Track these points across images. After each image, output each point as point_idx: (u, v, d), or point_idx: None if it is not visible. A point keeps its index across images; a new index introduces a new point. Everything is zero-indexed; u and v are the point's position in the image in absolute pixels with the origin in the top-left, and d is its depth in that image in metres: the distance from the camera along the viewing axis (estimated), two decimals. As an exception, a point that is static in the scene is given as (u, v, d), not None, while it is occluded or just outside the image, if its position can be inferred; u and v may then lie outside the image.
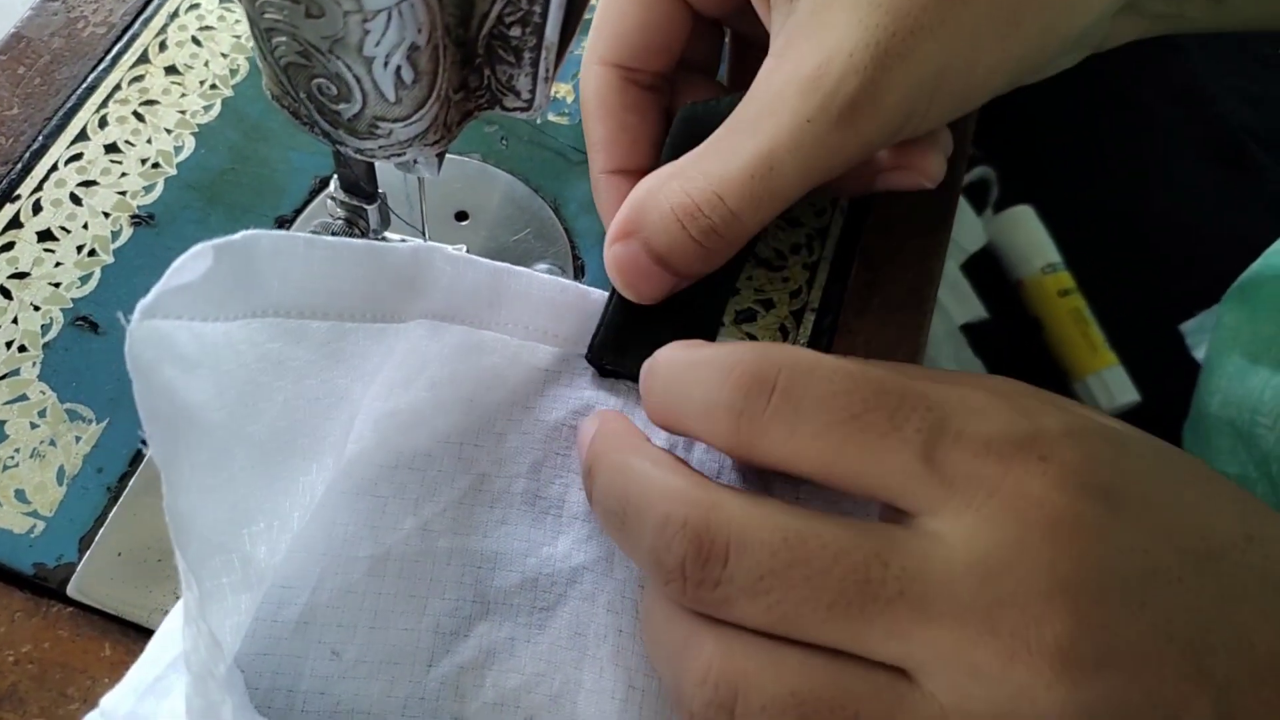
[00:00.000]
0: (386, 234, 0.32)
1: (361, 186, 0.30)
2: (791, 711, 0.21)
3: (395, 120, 0.24)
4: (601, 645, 0.27)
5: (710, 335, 0.30)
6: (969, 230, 0.71)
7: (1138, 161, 0.71)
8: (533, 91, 0.25)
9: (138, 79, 0.37)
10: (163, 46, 0.38)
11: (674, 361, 0.25)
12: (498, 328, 0.29)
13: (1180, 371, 0.57)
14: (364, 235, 0.31)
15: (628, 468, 0.24)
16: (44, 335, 0.32)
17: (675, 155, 0.29)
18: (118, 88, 0.37)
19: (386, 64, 0.22)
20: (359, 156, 0.25)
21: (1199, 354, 0.62)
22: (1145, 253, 0.69)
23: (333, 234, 0.31)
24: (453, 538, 0.27)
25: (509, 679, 0.26)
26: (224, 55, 0.38)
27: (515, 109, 0.26)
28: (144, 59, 0.38)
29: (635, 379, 0.29)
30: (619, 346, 0.30)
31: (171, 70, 0.38)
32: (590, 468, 0.26)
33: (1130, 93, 0.72)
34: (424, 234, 0.33)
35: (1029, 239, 0.73)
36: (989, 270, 0.73)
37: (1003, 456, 0.21)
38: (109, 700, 0.24)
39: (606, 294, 0.31)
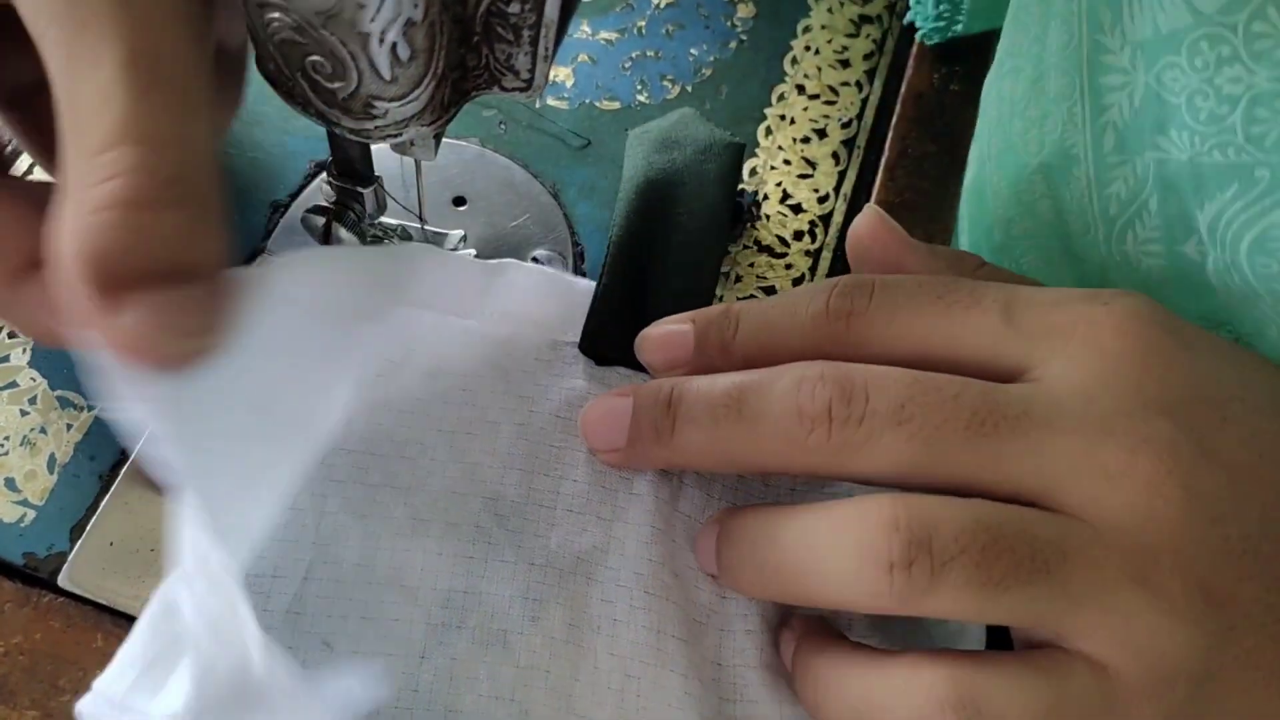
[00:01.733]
0: (383, 219, 0.32)
1: (357, 170, 0.30)
2: (982, 536, 0.22)
3: (391, 99, 0.23)
4: (596, 635, 0.26)
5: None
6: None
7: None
8: (532, 71, 0.25)
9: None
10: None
11: (751, 303, 0.27)
12: (488, 318, 0.29)
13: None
14: (359, 220, 0.31)
15: (733, 380, 0.25)
16: (35, 321, 0.32)
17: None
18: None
19: (382, 40, 0.22)
20: (354, 137, 0.25)
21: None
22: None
23: (326, 220, 0.30)
24: (445, 527, 0.27)
25: (503, 671, 0.26)
26: (218, 38, 0.38)
27: (514, 89, 0.25)
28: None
29: (631, 365, 0.29)
30: (613, 333, 0.30)
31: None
32: (673, 402, 0.26)
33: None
34: (421, 219, 0.32)
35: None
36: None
37: (1069, 308, 0.24)
38: (102, 682, 0.23)
39: (593, 284, 0.30)
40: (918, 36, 0.42)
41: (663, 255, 0.31)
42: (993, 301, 0.25)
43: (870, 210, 0.28)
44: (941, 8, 0.41)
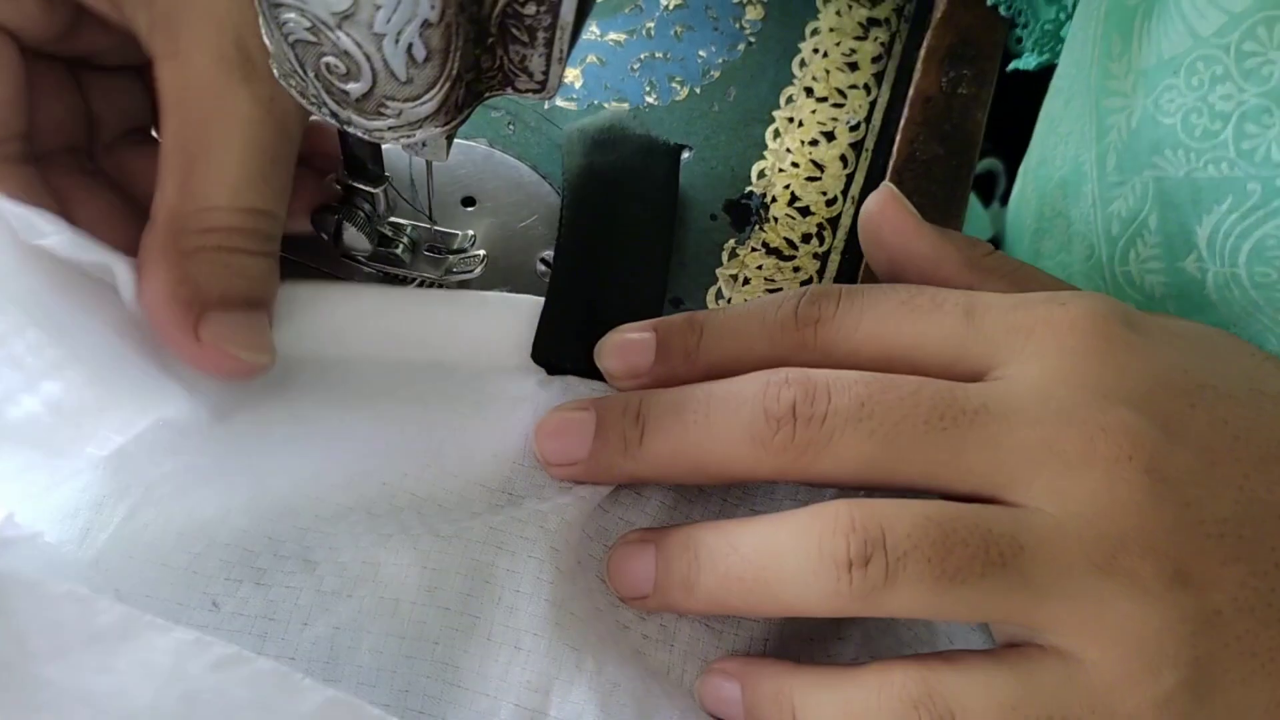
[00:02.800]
0: (393, 219, 0.32)
1: (368, 170, 0.30)
2: (933, 531, 0.22)
3: (405, 100, 0.23)
4: (495, 607, 0.26)
5: (654, 314, 0.30)
6: (976, 222, 0.71)
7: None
8: (545, 73, 0.25)
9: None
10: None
11: (716, 312, 0.28)
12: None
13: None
14: (369, 220, 0.31)
15: (701, 388, 0.26)
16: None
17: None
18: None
19: (398, 41, 0.22)
20: (367, 137, 0.25)
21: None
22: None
23: (337, 219, 0.30)
24: (354, 498, 0.27)
25: (388, 643, 0.25)
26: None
27: (527, 91, 0.25)
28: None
29: (584, 373, 0.29)
30: (565, 337, 0.29)
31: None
32: (642, 413, 0.26)
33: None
34: (431, 219, 0.32)
35: (1036, 232, 0.72)
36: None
37: (1029, 309, 0.25)
38: None
39: (539, 299, 0.30)
40: (1015, 66, 0.42)
41: (610, 256, 0.31)
42: (954, 305, 0.25)
43: (885, 188, 0.29)
44: (1045, 33, 0.41)
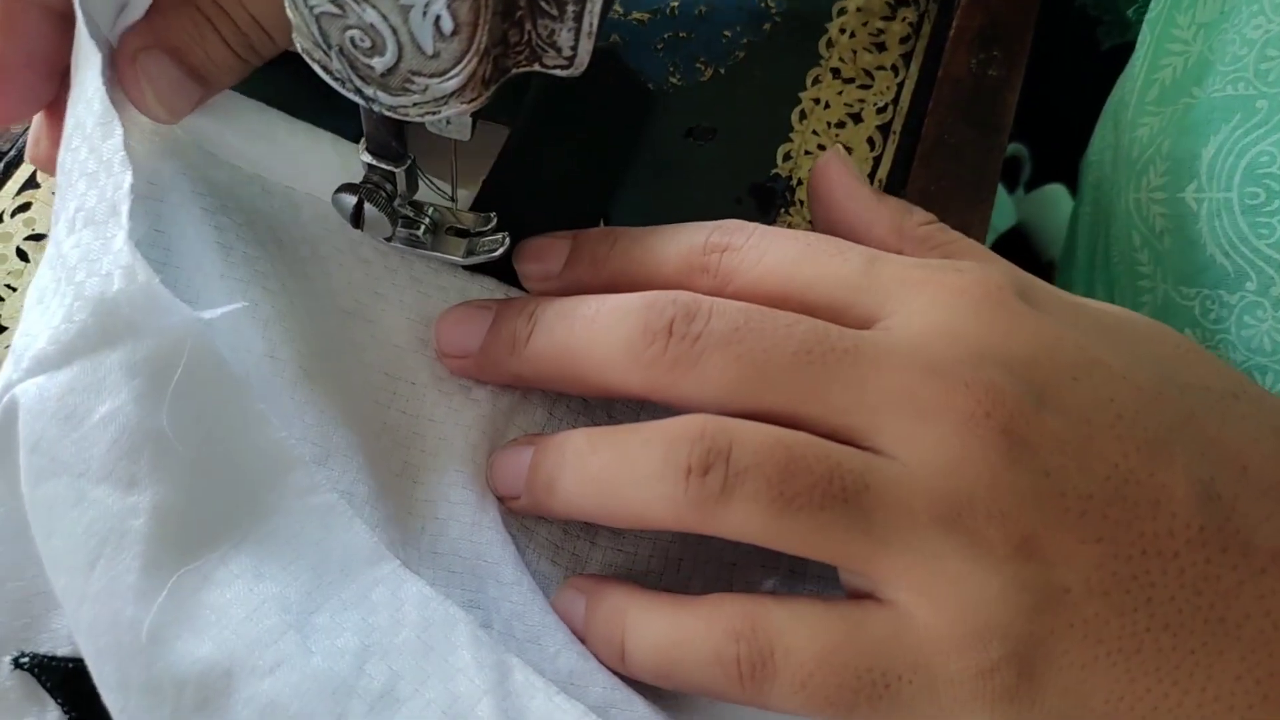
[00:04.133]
0: (415, 199, 0.31)
1: (390, 149, 0.29)
2: (781, 452, 0.22)
3: (431, 75, 0.23)
4: (420, 536, 0.27)
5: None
6: (1000, 208, 0.70)
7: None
8: (574, 48, 0.24)
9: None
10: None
11: (631, 230, 0.28)
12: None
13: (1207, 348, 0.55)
14: (390, 200, 0.30)
15: (596, 298, 0.26)
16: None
17: None
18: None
19: (425, 13, 0.21)
20: (391, 115, 0.24)
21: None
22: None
23: (359, 198, 0.30)
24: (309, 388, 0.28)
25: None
26: (246, 14, 0.37)
27: (555, 67, 0.25)
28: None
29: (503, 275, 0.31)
30: (509, 189, 0.31)
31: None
32: (535, 314, 0.27)
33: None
34: (454, 199, 0.31)
35: (1061, 219, 0.71)
36: (1020, 249, 0.71)
37: (926, 268, 0.25)
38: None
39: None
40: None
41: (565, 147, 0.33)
42: (856, 255, 0.26)
43: (833, 150, 0.30)
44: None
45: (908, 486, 0.22)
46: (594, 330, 0.25)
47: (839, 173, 0.29)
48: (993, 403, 0.22)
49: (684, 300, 0.24)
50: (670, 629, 0.24)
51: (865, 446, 0.23)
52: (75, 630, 0.22)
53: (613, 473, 0.24)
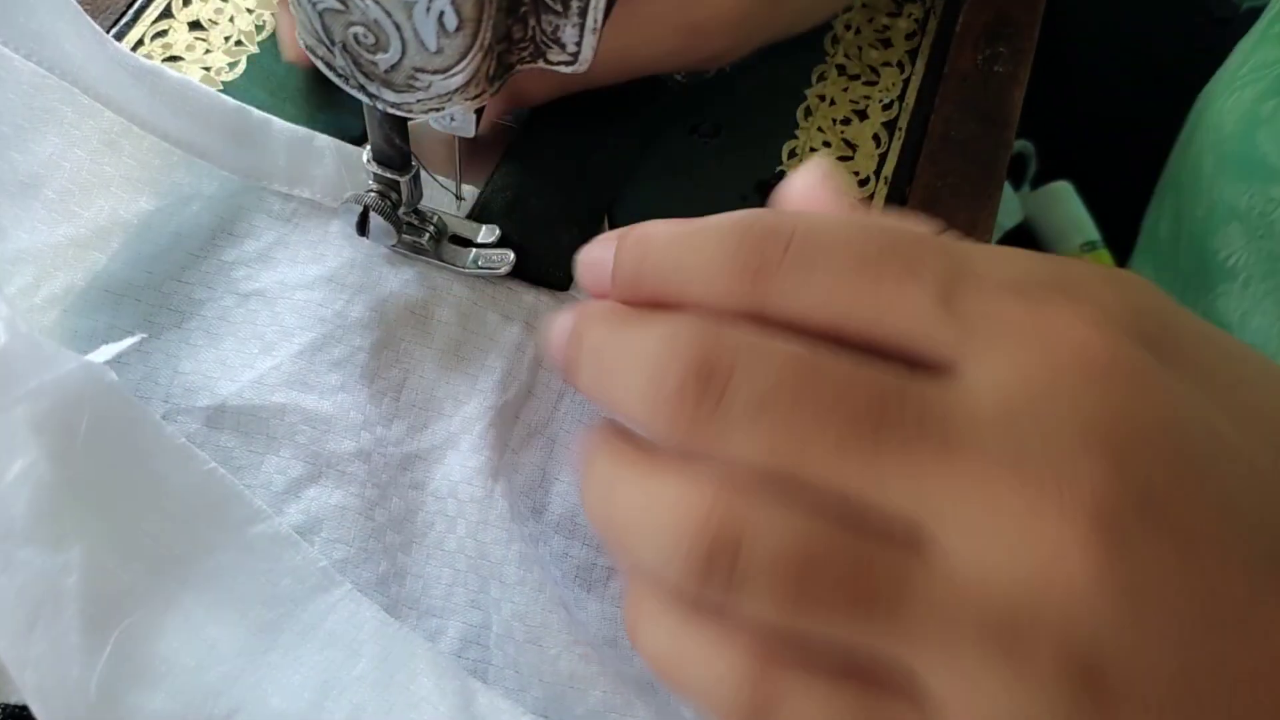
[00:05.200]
0: (420, 206, 0.31)
1: (395, 157, 0.28)
2: (798, 568, 0.18)
3: (435, 72, 0.23)
4: (428, 532, 0.27)
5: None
6: (1006, 206, 0.70)
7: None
8: (579, 44, 0.24)
9: (161, 34, 0.36)
10: (186, 1, 0.37)
11: (665, 231, 0.22)
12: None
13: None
14: (395, 208, 0.30)
15: (620, 335, 0.22)
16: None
17: None
18: (140, 43, 0.36)
19: (429, 9, 0.21)
20: (395, 112, 0.24)
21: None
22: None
23: (365, 207, 0.29)
24: (288, 393, 0.28)
25: (336, 550, 0.26)
26: (250, 10, 0.37)
27: (559, 63, 0.25)
28: (167, 13, 0.37)
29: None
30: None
31: (195, 26, 0.37)
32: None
33: (1174, 69, 0.70)
34: (458, 196, 0.31)
35: (1067, 216, 0.71)
36: (1026, 247, 0.71)
37: (1028, 296, 0.19)
38: None
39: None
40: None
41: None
42: (931, 275, 0.20)
43: (815, 163, 0.25)
44: None
45: (953, 590, 0.18)
46: (614, 377, 0.21)
47: (820, 182, 0.24)
48: (1090, 531, 0.17)
49: (701, 347, 0.20)
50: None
51: (921, 544, 0.19)
52: (24, 693, 0.22)
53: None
